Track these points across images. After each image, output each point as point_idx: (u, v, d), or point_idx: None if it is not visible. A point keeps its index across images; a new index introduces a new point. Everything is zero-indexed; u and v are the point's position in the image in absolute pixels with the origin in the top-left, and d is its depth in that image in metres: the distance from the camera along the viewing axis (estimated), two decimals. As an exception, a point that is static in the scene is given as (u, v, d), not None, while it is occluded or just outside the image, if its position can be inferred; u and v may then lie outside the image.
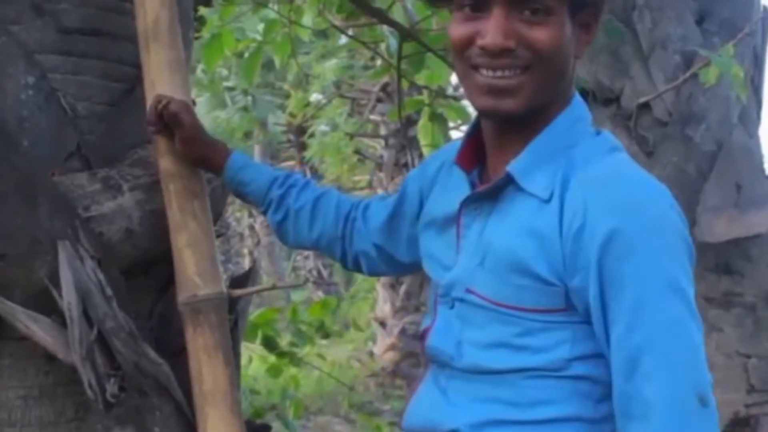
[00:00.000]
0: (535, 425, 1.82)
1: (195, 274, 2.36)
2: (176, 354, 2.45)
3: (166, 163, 2.39)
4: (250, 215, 23.26)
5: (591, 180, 1.79)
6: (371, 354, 13.88)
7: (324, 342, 16.24)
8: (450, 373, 1.93)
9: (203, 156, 2.42)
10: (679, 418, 1.66)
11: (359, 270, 2.46)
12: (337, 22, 5.25)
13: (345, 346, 15.45)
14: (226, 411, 2.32)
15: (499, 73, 1.81)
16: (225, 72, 13.84)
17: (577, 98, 1.96)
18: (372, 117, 13.61)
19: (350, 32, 5.34)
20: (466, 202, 1.95)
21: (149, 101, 2.40)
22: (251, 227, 23.66)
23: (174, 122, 2.36)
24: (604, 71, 4.38)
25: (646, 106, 4.48)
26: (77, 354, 2.26)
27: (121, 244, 2.43)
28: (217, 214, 2.76)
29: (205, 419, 2.32)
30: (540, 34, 1.80)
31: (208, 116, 14.81)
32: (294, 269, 23.25)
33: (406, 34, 4.40)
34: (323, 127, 16.01)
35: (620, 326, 1.72)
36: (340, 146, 13.89)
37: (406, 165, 11.82)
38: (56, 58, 2.52)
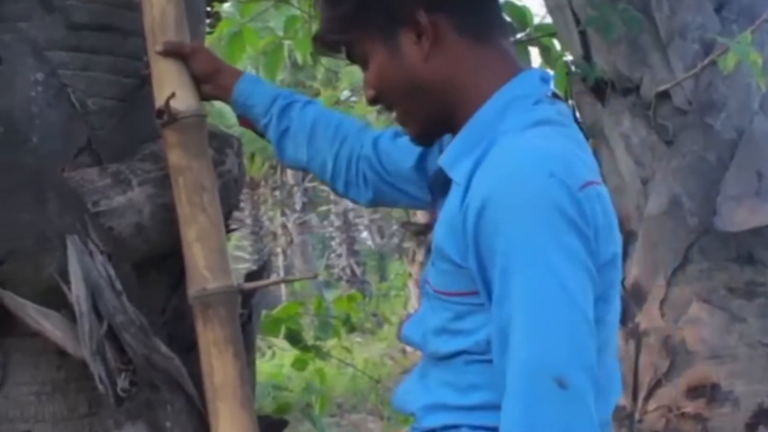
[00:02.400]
0: (469, 411, 1.82)
1: (204, 268, 2.35)
2: (190, 348, 2.44)
3: (175, 157, 2.39)
4: (283, 214, 23.34)
5: (488, 157, 1.76)
6: (404, 351, 13.90)
7: (358, 339, 16.33)
8: (426, 360, 1.96)
9: (213, 72, 2.42)
10: (529, 400, 1.60)
11: (352, 195, 2.47)
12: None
13: (378, 343, 15.48)
14: (236, 405, 2.31)
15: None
16: (253, 71, 13.88)
17: (519, 78, 1.88)
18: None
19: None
20: (433, 197, 2.01)
21: (156, 96, 2.40)
22: (284, 226, 23.74)
23: (181, 51, 2.38)
24: (622, 61, 4.33)
25: (665, 95, 4.43)
26: (87, 348, 2.26)
27: (132, 238, 2.43)
28: (231, 208, 2.75)
29: (215, 413, 2.31)
30: (369, 78, 1.95)
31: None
32: (327, 267, 23.34)
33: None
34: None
35: (494, 302, 1.69)
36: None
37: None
38: (66, 54, 2.52)
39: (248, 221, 26.47)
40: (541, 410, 1.58)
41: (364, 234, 24.86)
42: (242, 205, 28.26)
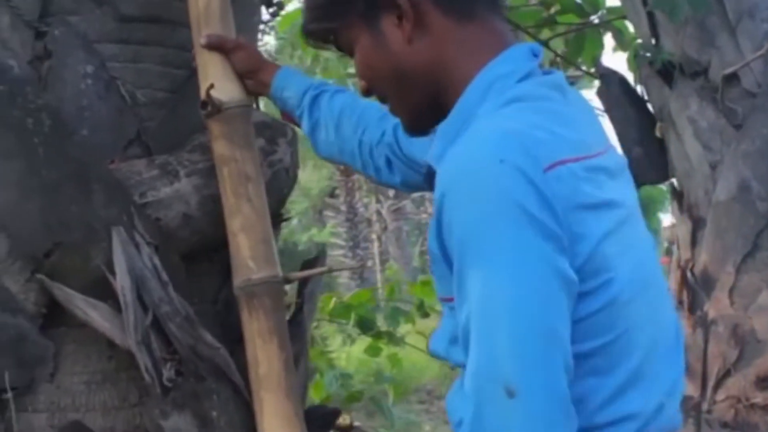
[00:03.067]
0: None
1: (249, 258, 2.35)
2: (242, 339, 2.45)
3: (219, 147, 2.40)
4: (377, 201, 23.38)
5: (453, 146, 1.65)
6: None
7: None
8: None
9: (254, 69, 2.43)
10: (478, 405, 1.52)
11: (384, 180, 2.43)
12: None
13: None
14: (281, 395, 2.32)
15: None
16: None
17: (504, 55, 1.75)
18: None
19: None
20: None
21: (201, 87, 2.41)
22: (378, 213, 23.79)
23: (223, 46, 2.38)
24: (690, 43, 4.23)
25: (734, 77, 4.31)
26: (133, 339, 2.28)
27: (179, 229, 2.45)
28: (283, 198, 2.76)
29: (260, 404, 2.32)
30: (358, 67, 1.92)
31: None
32: (422, 254, 23.37)
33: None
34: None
35: (456, 301, 1.59)
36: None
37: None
38: (115, 47, 2.54)
39: (343, 208, 26.59)
40: (486, 417, 1.50)
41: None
42: (337, 191, 28.41)
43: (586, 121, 1.78)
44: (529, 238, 1.48)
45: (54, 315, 2.39)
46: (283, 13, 5.56)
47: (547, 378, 1.48)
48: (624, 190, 1.72)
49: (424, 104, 1.82)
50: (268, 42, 15.44)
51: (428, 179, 1.82)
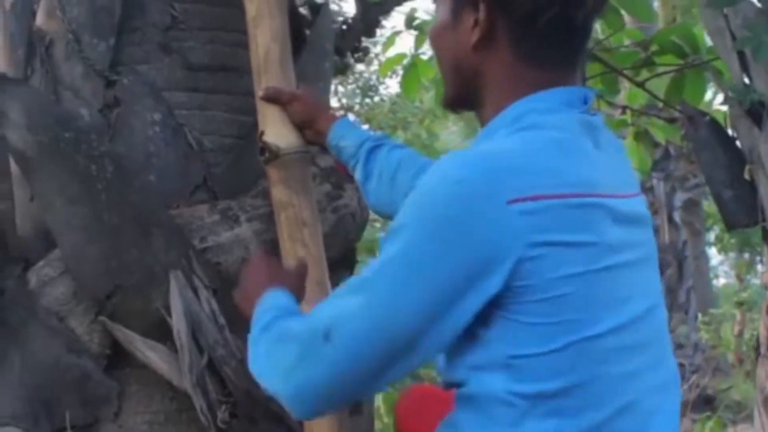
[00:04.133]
0: None
1: (303, 302, 2.37)
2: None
3: (277, 193, 2.42)
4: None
5: None
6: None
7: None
8: None
9: (310, 119, 2.41)
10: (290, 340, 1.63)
11: None
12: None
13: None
14: (333, 440, 2.32)
15: None
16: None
17: (545, 93, 1.72)
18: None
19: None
20: None
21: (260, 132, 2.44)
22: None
23: (279, 98, 2.39)
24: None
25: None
26: (188, 381, 2.33)
27: (239, 273, 2.48)
28: (351, 242, 2.78)
29: (312, 446, 2.33)
30: (432, 25, 1.87)
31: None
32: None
33: (587, 54, 4.29)
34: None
35: None
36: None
37: (650, 189, 11.48)
38: (183, 95, 2.62)
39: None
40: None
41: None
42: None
43: (610, 163, 1.72)
44: (429, 252, 1.51)
45: (119, 356, 2.45)
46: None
47: (357, 356, 1.53)
48: (634, 238, 1.66)
49: (459, 96, 1.81)
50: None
51: None
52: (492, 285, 1.51)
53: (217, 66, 2.64)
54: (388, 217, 2.39)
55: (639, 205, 1.74)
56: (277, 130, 2.41)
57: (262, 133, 2.35)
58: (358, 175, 2.37)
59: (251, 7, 2.43)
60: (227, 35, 2.66)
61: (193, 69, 2.63)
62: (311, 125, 2.41)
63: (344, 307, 1.57)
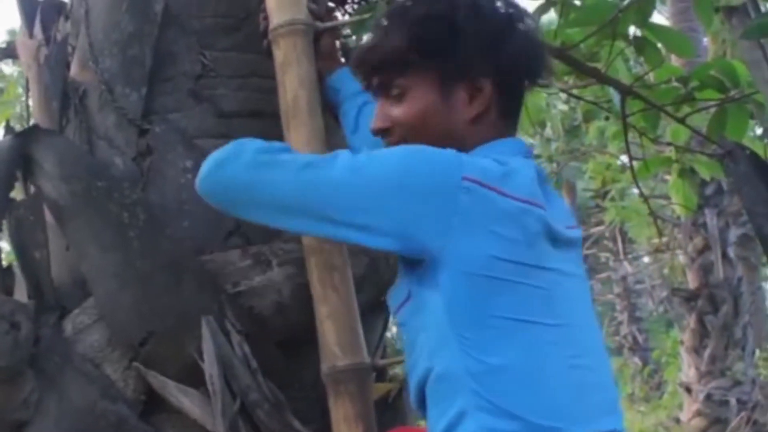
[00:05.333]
0: None
1: (335, 345, 2.38)
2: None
3: (307, 238, 2.44)
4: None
5: None
6: (677, 421, 13.43)
7: (641, 408, 15.89)
8: None
9: (329, 56, 2.56)
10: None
11: None
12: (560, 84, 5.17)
13: (659, 412, 15.08)
14: (366, 482, 2.32)
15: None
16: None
17: (505, 141, 2.01)
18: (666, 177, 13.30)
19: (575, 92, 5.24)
20: None
21: None
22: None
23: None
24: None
25: None
26: (222, 425, 2.33)
27: (273, 317, 2.50)
28: (384, 285, 2.78)
29: (346, 491, 2.33)
30: (397, 111, 2.03)
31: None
32: (609, 334, 22.88)
33: (627, 91, 4.28)
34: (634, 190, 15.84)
35: None
36: (638, 209, 13.67)
37: (704, 225, 11.37)
38: (215, 142, 2.63)
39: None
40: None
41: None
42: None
43: (552, 199, 1.96)
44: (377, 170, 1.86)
45: (154, 401, 2.47)
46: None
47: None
48: (566, 261, 1.90)
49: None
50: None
51: None
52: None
53: (248, 112, 2.68)
54: None
55: (574, 235, 2.00)
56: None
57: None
58: (345, 123, 2.52)
59: (279, 54, 2.47)
60: (257, 82, 2.69)
61: (224, 116, 2.66)
62: (327, 59, 2.54)
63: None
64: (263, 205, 1.96)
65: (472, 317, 1.79)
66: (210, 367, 2.35)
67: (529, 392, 1.76)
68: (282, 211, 1.94)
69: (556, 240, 1.87)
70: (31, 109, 2.96)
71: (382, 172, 1.85)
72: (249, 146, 2.01)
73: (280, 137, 2.61)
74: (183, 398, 2.39)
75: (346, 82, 2.53)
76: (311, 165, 1.92)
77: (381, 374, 2.69)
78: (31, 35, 3.02)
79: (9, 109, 7.76)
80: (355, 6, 3.81)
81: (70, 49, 2.85)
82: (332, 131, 2.55)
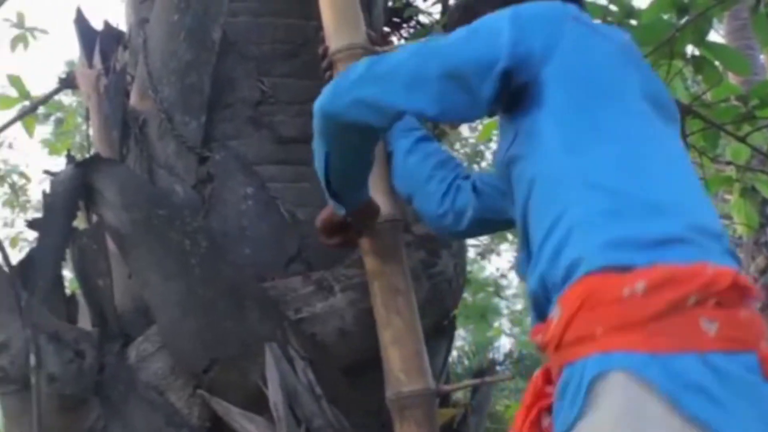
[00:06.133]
0: None
1: (400, 371, 2.35)
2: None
3: (370, 262, 2.42)
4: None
5: None
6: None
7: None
8: None
9: None
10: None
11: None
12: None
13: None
14: None
15: None
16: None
17: None
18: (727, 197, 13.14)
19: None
20: None
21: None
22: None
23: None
24: None
25: None
26: (286, 452, 2.32)
27: (336, 343, 2.49)
28: (445, 310, 2.76)
29: None
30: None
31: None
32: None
33: (686, 110, 4.23)
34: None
35: None
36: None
37: (765, 244, 11.22)
38: (274, 168, 2.65)
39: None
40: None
41: None
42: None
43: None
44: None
45: (218, 428, 2.46)
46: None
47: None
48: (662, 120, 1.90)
49: None
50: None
51: None
52: None
53: (307, 138, 2.64)
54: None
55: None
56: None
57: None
58: (401, 147, 2.42)
59: (337, 79, 2.46)
60: (316, 107, 2.68)
61: (283, 142, 2.67)
62: None
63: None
64: (392, 87, 1.93)
65: (576, 123, 1.84)
66: (274, 394, 2.34)
67: (636, 177, 1.77)
68: (410, 83, 1.91)
69: (654, 103, 1.91)
70: (91, 138, 2.98)
71: (495, 17, 1.92)
72: (355, 67, 2.00)
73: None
74: (247, 425, 2.38)
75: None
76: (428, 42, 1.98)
77: (445, 400, 2.67)
78: (90, 65, 3.05)
79: (69, 139, 7.85)
80: (411, 30, 3.83)
81: (129, 78, 2.87)
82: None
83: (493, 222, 2.33)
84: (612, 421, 1.57)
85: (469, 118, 2.13)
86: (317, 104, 2.01)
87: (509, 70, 1.86)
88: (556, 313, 1.72)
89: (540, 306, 1.83)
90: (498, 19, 1.90)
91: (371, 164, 2.15)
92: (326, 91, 2.00)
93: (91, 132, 3.00)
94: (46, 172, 2.71)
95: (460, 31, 1.92)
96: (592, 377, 1.61)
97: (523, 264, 1.93)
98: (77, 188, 2.60)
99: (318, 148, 2.10)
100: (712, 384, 1.54)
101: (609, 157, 1.78)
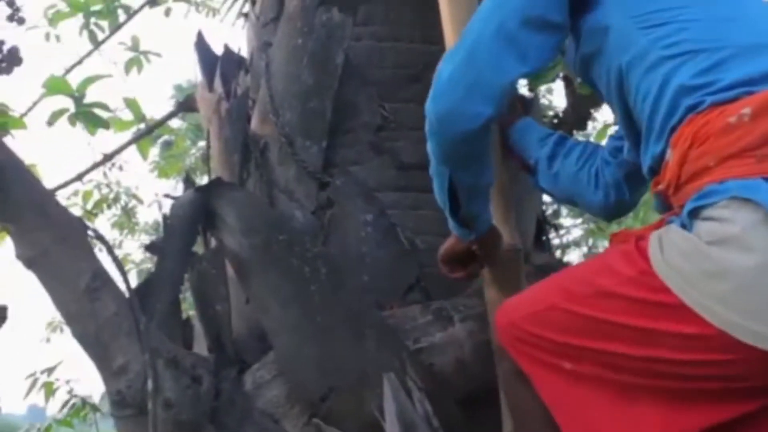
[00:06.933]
0: None
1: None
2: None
3: (490, 292, 2.37)
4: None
5: None
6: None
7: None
8: None
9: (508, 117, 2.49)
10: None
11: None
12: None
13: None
14: None
15: None
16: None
17: None
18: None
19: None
20: None
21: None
22: None
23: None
24: None
25: None
26: (403, 485, 2.27)
27: (454, 374, 2.43)
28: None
29: None
30: None
31: None
32: None
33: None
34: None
35: None
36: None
37: None
38: (394, 194, 2.61)
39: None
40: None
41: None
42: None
43: None
44: None
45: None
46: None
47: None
48: None
49: None
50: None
51: None
52: None
53: (428, 164, 2.62)
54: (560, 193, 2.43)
55: None
56: (492, 227, 2.37)
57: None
58: (541, 168, 2.40)
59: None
60: (438, 133, 2.64)
61: (404, 168, 2.63)
62: (509, 112, 2.48)
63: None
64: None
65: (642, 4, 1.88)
66: (391, 426, 2.28)
67: (723, 29, 1.81)
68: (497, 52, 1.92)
69: None
70: (211, 162, 2.98)
71: None
72: (442, 66, 2.00)
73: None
74: (363, 456, 2.34)
75: (528, 135, 2.47)
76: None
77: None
78: (210, 89, 3.06)
79: (178, 162, 7.93)
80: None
81: (250, 102, 2.86)
82: (514, 180, 2.49)
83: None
84: (726, 241, 1.59)
85: (556, 50, 2.08)
86: (429, 110, 1.99)
87: None
88: (670, 156, 1.77)
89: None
90: None
91: (492, 175, 2.10)
92: (431, 98, 1.99)
93: (205, 152, 3.01)
94: (167, 195, 2.73)
95: None
96: (706, 205, 1.64)
97: (631, 152, 2.02)
98: (197, 212, 2.60)
99: (438, 172, 2.07)
100: None
101: (690, 18, 1.82)
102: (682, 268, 1.64)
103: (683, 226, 1.70)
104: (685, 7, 1.84)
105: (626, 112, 1.96)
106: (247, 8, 3.31)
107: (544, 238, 2.99)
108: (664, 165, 1.79)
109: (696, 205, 1.66)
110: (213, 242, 2.68)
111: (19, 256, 2.52)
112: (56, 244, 2.48)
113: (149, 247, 2.76)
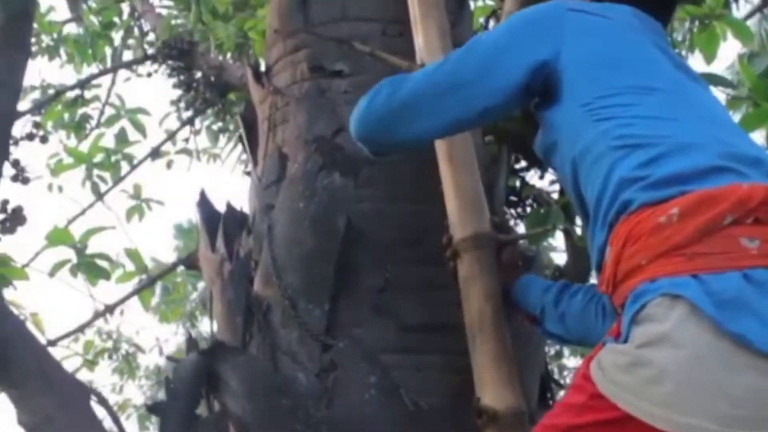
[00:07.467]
0: None
1: None
2: None
3: (496, 457, 2.36)
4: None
5: None
6: None
7: None
8: None
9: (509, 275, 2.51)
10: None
11: None
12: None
13: None
14: None
15: None
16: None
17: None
18: None
19: None
20: None
21: (477, 394, 2.39)
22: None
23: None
24: None
25: None
26: None
27: None
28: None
29: None
30: None
31: None
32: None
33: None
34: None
35: None
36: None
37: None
38: (397, 356, 2.61)
39: None
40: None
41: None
42: None
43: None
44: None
45: None
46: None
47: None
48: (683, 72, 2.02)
49: None
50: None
51: None
52: None
53: (431, 326, 2.65)
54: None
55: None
56: (494, 392, 2.36)
57: (477, 399, 2.31)
58: (549, 316, 2.41)
59: (463, 268, 2.45)
60: (439, 295, 2.66)
61: (406, 330, 2.64)
62: (509, 270, 2.51)
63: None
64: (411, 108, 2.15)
65: (596, 94, 1.96)
66: None
67: (665, 127, 1.87)
68: (431, 111, 2.13)
69: (669, 56, 2.04)
70: (215, 326, 2.98)
71: (498, 31, 2.16)
72: (381, 86, 2.21)
73: (464, 351, 2.56)
74: None
75: (531, 289, 2.48)
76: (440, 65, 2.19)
77: None
78: (213, 249, 3.08)
79: (179, 308, 7.96)
80: (528, 208, 3.80)
81: (252, 263, 2.88)
82: (517, 345, 2.49)
83: None
84: (658, 340, 1.62)
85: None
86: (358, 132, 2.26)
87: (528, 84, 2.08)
88: (608, 255, 1.83)
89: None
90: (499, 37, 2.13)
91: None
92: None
93: (204, 295, 3.02)
94: (170, 358, 2.73)
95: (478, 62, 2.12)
96: (641, 304, 1.67)
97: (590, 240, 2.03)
98: (201, 375, 2.60)
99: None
100: (755, 299, 1.59)
101: (635, 115, 1.90)
102: (624, 382, 1.66)
103: (625, 337, 1.73)
104: (632, 105, 1.93)
105: (581, 203, 2.03)
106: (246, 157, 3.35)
107: (548, 395, 2.98)
108: (604, 264, 1.86)
109: (634, 310, 1.70)
110: (216, 405, 2.67)
111: (21, 422, 2.52)
112: (59, 409, 2.47)
113: (152, 409, 2.75)
